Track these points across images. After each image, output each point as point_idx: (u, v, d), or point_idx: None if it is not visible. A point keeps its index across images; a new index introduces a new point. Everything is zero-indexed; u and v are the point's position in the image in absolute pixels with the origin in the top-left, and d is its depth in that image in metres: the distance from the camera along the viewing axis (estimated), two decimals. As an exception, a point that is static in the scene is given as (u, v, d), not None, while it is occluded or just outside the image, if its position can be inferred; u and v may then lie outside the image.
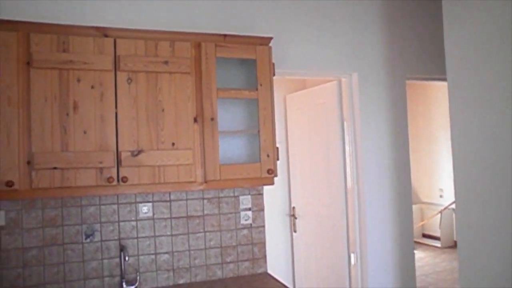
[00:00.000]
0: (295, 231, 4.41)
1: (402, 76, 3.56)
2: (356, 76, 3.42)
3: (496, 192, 2.58)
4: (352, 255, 3.60)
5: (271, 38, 2.72)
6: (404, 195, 3.54)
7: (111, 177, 2.31)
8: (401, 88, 3.55)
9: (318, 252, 4.03)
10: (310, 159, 4.10)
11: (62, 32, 2.30)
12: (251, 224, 2.96)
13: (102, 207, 2.65)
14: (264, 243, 2.99)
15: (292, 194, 4.53)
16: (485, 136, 2.66)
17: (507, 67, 2.52)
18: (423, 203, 8.48)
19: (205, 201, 2.86)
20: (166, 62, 2.45)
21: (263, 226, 3.00)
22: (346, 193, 3.59)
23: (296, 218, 4.38)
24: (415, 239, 7.95)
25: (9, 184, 2.15)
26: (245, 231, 2.94)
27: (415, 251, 7.27)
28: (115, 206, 2.67)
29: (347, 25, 3.40)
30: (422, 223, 8.18)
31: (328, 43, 3.33)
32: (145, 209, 2.73)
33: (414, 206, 7.99)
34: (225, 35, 2.62)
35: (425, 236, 8.26)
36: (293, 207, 4.44)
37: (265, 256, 2.99)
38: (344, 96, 3.54)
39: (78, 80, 2.30)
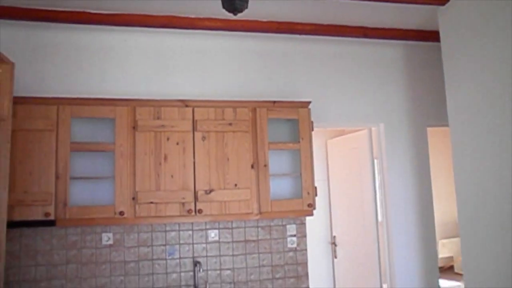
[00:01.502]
0: (335, 257, 5.04)
1: (423, 123, 4.16)
2: (383, 126, 4.08)
3: (494, 225, 2.96)
4: (384, 286, 4.05)
5: (309, 102, 3.51)
6: (428, 229, 4.01)
7: (190, 209, 3.15)
8: (423, 134, 4.15)
9: (355, 279, 4.56)
10: (347, 194, 4.74)
11: (157, 105, 3.21)
12: (295, 248, 3.67)
13: (181, 232, 3.47)
14: (306, 264, 3.68)
15: (333, 224, 5.17)
16: (484, 176, 3.04)
17: (505, 111, 2.79)
18: (466, 235, 8.71)
19: (259, 228, 3.61)
20: (230, 124, 3.29)
21: (306, 250, 3.70)
22: (377, 225, 4.13)
23: (336, 245, 5.01)
24: (458, 271, 8.27)
25: (121, 213, 3.03)
26: (291, 253, 3.66)
27: (459, 283, 7.59)
28: (190, 232, 3.49)
29: (373, 85, 4.10)
30: (465, 254, 8.42)
31: (358, 100, 4.04)
32: (213, 234, 3.52)
33: (455, 239, 8.38)
34: (274, 102, 3.43)
35: (469, 267, 8.47)
36: (334, 236, 5.08)
37: (307, 274, 3.66)
38: (374, 142, 4.20)
39: (168, 139, 3.18)
